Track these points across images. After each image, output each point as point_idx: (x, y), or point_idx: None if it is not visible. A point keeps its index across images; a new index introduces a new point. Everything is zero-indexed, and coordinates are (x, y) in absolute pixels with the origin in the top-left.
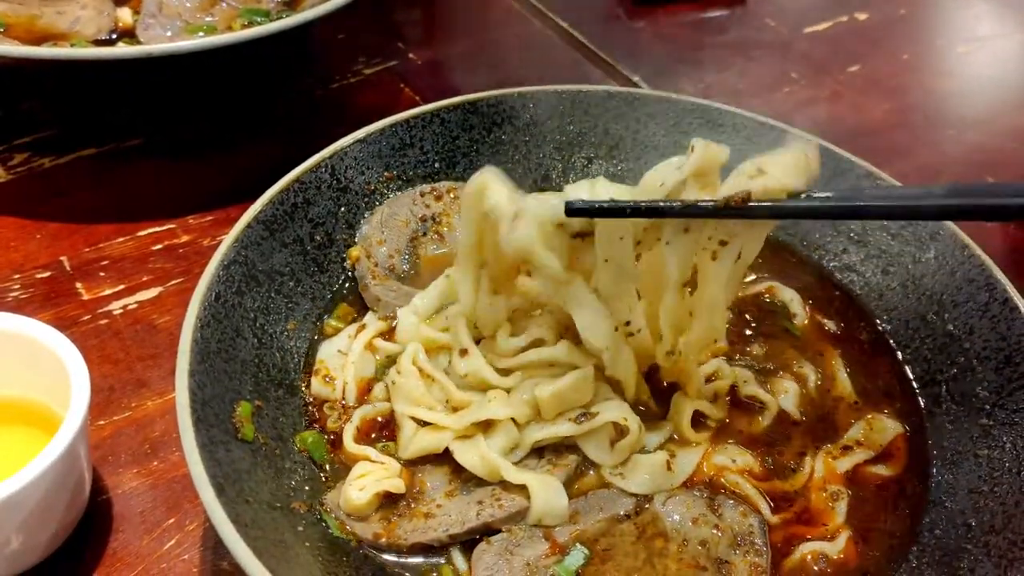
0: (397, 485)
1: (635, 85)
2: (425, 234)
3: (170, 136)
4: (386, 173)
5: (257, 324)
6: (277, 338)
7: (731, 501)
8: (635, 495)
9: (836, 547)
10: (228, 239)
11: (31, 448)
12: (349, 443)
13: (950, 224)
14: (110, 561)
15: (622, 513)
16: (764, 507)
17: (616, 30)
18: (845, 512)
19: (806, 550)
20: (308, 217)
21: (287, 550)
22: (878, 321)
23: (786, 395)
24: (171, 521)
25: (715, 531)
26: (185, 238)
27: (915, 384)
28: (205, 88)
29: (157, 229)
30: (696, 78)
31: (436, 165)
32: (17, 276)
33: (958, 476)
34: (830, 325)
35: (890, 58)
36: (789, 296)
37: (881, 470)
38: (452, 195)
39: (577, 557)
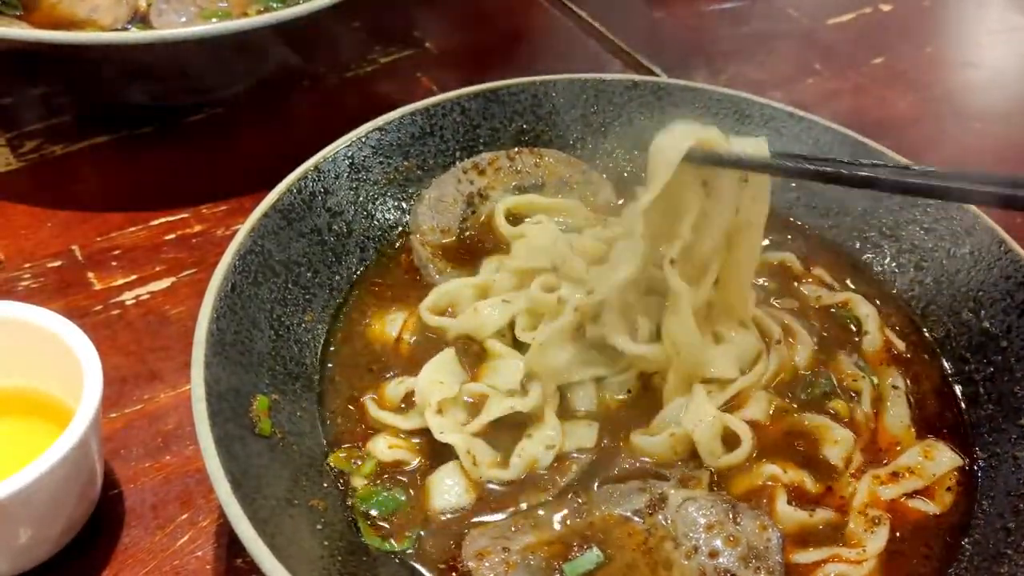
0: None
1: (655, 75)
2: (475, 212)
3: (183, 124)
4: (405, 162)
5: (274, 316)
6: (294, 330)
7: (752, 511)
8: (651, 492)
9: (862, 571)
10: (245, 228)
11: (42, 441)
12: (373, 409)
13: (986, 219)
14: (121, 557)
15: (634, 511)
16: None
17: (636, 20)
18: (885, 539)
19: (830, 572)
20: (326, 206)
21: (305, 549)
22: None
23: (833, 447)
24: (184, 517)
25: (729, 542)
26: (198, 228)
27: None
28: (219, 75)
29: (170, 218)
30: (717, 69)
31: (457, 154)
32: (28, 265)
33: (996, 479)
34: (899, 346)
35: (914, 50)
36: (865, 312)
37: (924, 506)
38: (494, 166)
39: (590, 559)
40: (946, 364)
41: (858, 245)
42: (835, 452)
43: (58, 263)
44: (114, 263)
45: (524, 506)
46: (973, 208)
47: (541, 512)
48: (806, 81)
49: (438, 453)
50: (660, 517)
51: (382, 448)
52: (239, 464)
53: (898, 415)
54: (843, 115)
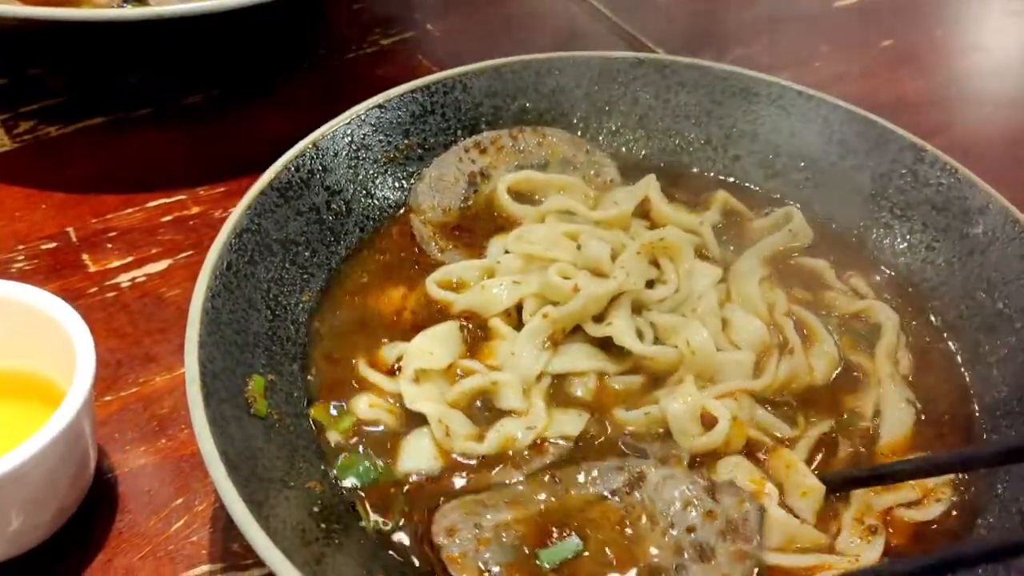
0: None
1: None
2: (476, 191)
3: (180, 105)
4: (406, 141)
5: (270, 295)
6: (291, 310)
7: (732, 487)
8: (629, 471)
9: None
10: (241, 205)
11: (34, 423)
12: (362, 367)
13: (1000, 198)
14: (115, 542)
15: (611, 490)
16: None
17: (639, 2)
18: (880, 550)
19: None
20: (325, 184)
21: (302, 532)
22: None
23: (800, 500)
24: (179, 501)
25: (707, 516)
26: (195, 209)
27: (964, 367)
28: (217, 56)
29: (166, 200)
30: (722, 51)
31: (458, 133)
32: (21, 247)
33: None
34: (905, 364)
35: (924, 33)
36: (884, 317)
37: (919, 515)
38: (496, 145)
39: (569, 547)
40: (954, 347)
41: (865, 225)
42: (804, 505)
43: (52, 245)
44: (109, 245)
45: (494, 481)
46: (986, 187)
47: (516, 489)
48: (813, 64)
49: (417, 418)
50: (638, 496)
51: (363, 406)
52: (234, 445)
53: (901, 420)
54: (852, 98)
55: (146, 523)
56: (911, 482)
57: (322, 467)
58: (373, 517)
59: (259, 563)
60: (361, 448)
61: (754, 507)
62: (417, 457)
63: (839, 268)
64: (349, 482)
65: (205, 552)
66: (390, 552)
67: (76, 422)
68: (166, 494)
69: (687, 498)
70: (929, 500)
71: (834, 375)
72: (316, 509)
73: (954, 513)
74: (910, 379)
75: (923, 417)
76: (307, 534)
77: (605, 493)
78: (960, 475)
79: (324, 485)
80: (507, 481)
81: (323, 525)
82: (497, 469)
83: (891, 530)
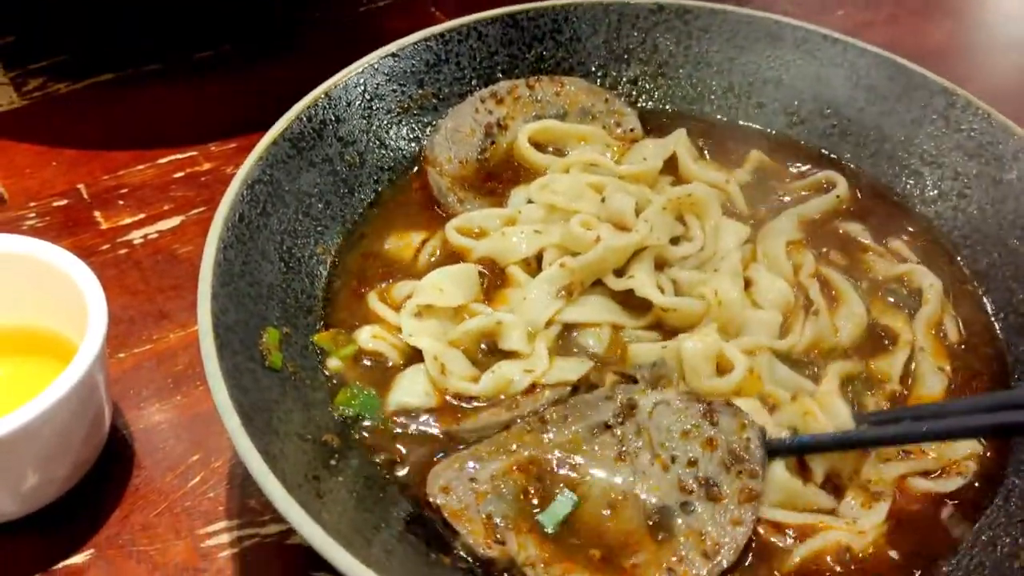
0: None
1: None
2: (494, 143)
3: (191, 61)
4: (420, 91)
5: (284, 247)
6: (305, 262)
7: (729, 408)
8: (619, 400)
9: (863, 541)
10: (252, 156)
11: (47, 379)
12: (372, 300)
13: None
14: (132, 498)
15: (603, 423)
16: None
17: None
18: (883, 514)
19: (831, 539)
20: (338, 135)
21: (319, 484)
22: (958, 256)
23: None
24: (196, 458)
25: (707, 445)
26: (207, 166)
27: (995, 317)
28: (227, 10)
29: (178, 156)
30: (742, 1)
31: (473, 82)
32: (33, 204)
33: None
34: (952, 333)
35: None
36: (927, 283)
37: (934, 486)
38: (513, 95)
39: (564, 504)
40: (986, 296)
41: (896, 174)
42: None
43: (64, 202)
44: (121, 202)
45: (482, 424)
46: (1021, 131)
47: (505, 436)
48: (837, 12)
49: (418, 355)
50: (631, 427)
51: (365, 337)
52: (248, 397)
53: (929, 385)
54: (877, 46)
55: (162, 479)
56: (932, 453)
57: (338, 420)
58: (380, 457)
59: (276, 519)
60: (359, 382)
61: (754, 432)
62: (409, 392)
63: (874, 227)
64: (349, 412)
65: (222, 508)
66: (409, 506)
67: (88, 377)
68: (182, 450)
69: (684, 427)
70: (951, 472)
71: (860, 338)
72: (333, 463)
73: (976, 485)
74: (957, 348)
75: (952, 378)
76: (322, 485)
77: (597, 427)
78: (986, 452)
79: (341, 439)
80: (496, 420)
81: (340, 478)
82: (487, 411)
83: (900, 499)
